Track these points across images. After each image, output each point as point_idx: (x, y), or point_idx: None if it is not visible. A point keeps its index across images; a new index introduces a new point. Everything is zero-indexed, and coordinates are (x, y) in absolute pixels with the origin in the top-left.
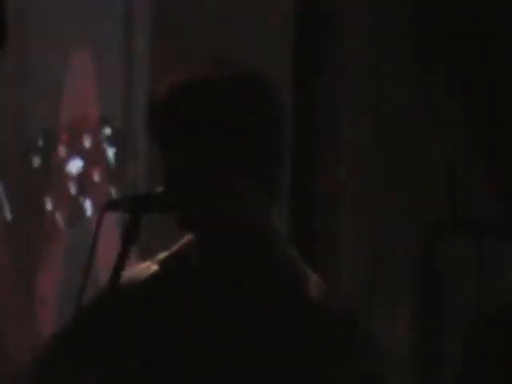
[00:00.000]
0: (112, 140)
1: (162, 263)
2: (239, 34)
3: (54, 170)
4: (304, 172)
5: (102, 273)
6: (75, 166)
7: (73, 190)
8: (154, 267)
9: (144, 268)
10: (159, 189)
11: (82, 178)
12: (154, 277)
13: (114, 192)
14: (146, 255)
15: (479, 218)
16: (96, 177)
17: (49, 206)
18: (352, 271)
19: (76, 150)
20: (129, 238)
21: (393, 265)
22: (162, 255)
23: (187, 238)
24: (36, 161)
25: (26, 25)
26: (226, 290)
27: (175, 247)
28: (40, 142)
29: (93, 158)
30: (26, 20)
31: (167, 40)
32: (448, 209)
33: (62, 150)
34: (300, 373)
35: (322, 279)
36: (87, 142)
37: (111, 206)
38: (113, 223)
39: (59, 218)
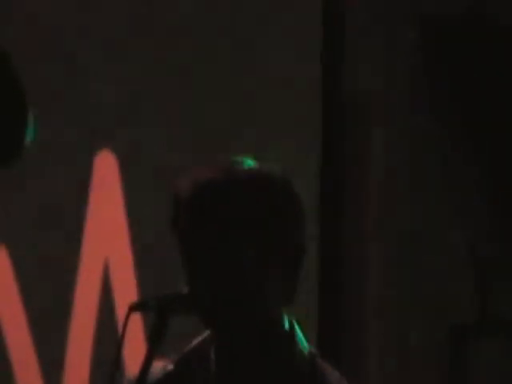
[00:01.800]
0: None
1: (178, 362)
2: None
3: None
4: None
5: (129, 374)
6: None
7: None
8: (170, 366)
9: (160, 367)
10: (185, 289)
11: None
12: (169, 377)
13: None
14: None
15: (507, 319)
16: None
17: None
18: (378, 370)
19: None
20: (155, 339)
21: (419, 365)
22: (179, 353)
23: (203, 335)
24: None
25: None
26: None
27: (191, 345)
28: None
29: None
30: None
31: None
32: (476, 308)
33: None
34: None
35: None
36: None
37: (138, 305)
38: (139, 324)
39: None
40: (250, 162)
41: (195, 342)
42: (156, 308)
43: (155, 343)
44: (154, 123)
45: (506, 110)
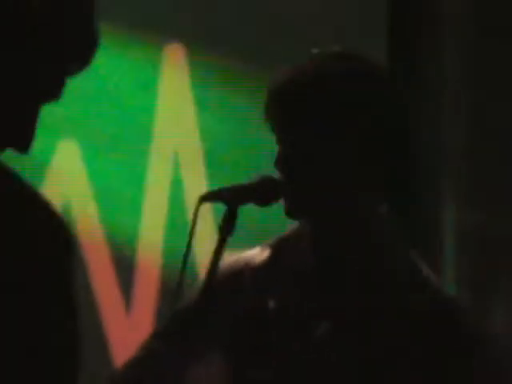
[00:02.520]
0: None
1: (275, 248)
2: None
3: None
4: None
5: (199, 264)
6: None
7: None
8: (267, 252)
9: (257, 253)
10: (256, 179)
11: None
12: (268, 262)
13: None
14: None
15: None
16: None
17: None
18: (453, 260)
19: None
20: (226, 228)
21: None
22: (275, 240)
23: (296, 224)
24: None
25: None
26: (339, 282)
27: (286, 233)
28: None
29: None
30: None
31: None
32: None
33: None
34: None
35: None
36: None
37: (209, 196)
38: (210, 213)
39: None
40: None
41: (292, 228)
42: (226, 198)
43: (226, 234)
44: (227, 17)
45: None
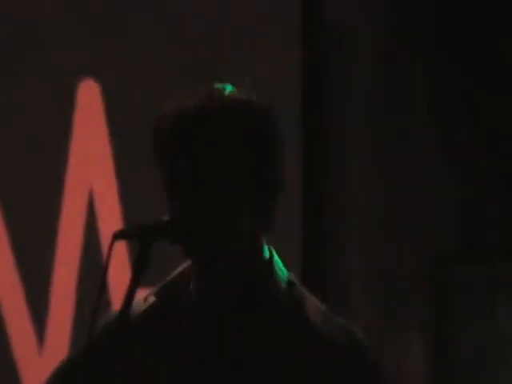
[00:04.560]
0: None
1: (159, 293)
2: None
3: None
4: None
5: (113, 301)
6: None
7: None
8: (151, 298)
9: (140, 299)
10: (169, 217)
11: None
12: (152, 309)
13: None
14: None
15: (489, 244)
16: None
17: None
18: (362, 298)
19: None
20: (139, 266)
21: (403, 292)
22: (158, 285)
23: (182, 266)
24: None
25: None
26: (225, 320)
27: (170, 276)
28: None
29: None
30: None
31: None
32: (458, 235)
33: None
34: None
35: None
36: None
37: (122, 234)
38: (124, 251)
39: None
40: (230, 89)
41: (175, 272)
42: (139, 236)
43: (139, 271)
44: (141, 54)
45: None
